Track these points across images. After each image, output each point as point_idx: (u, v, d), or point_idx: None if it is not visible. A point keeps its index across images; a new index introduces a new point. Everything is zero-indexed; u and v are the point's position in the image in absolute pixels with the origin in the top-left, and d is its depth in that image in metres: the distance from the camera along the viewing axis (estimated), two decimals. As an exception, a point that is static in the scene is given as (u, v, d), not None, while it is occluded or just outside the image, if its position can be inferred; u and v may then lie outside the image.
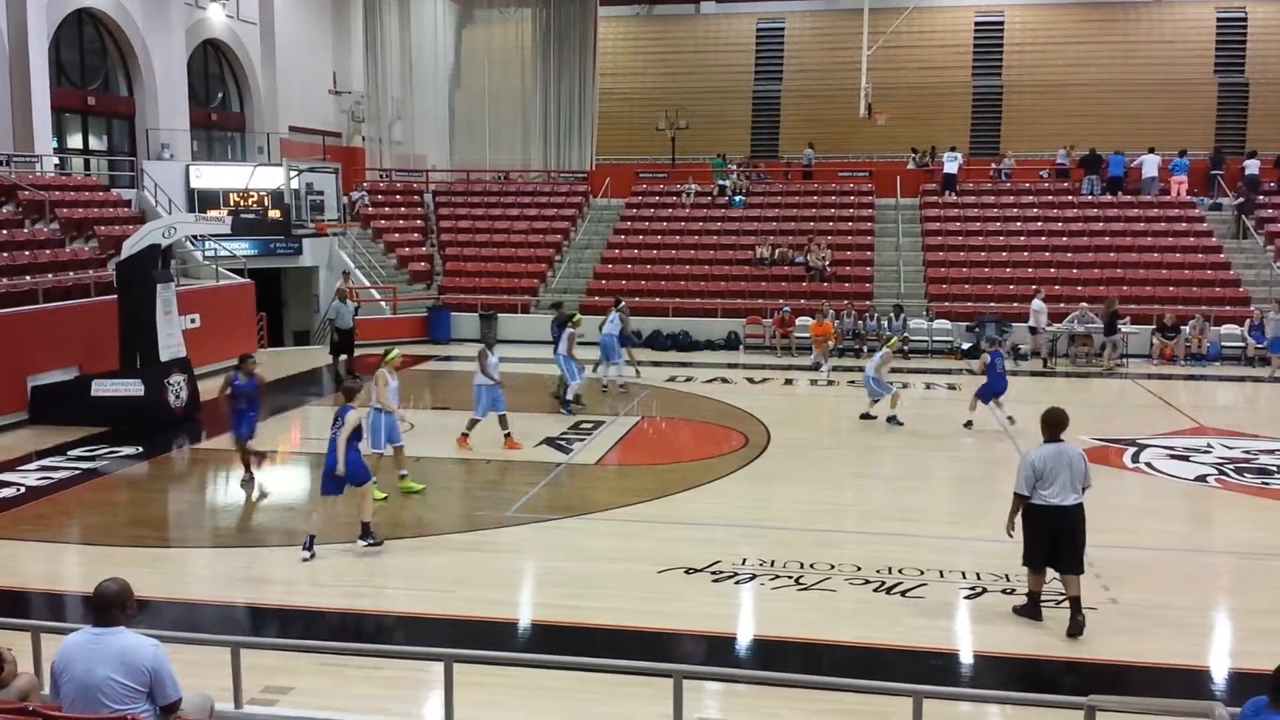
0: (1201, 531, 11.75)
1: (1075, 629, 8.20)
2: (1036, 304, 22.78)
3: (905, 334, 22.58)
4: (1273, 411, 18.60)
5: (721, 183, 30.59)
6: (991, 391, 16.01)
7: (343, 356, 20.92)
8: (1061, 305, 24.00)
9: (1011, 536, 8.53)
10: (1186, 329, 22.95)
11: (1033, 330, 22.73)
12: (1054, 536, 8.29)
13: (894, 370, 18.03)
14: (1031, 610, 8.55)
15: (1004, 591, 9.11)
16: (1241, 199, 27.00)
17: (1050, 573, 8.57)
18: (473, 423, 14.54)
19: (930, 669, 7.64)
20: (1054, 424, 8.42)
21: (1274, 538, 10.82)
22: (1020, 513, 8.44)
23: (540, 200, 31.38)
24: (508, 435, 14.56)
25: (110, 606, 5.10)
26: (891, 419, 16.30)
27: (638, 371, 20.16)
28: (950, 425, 16.15)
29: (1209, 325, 23.07)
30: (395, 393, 12.38)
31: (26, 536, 10.80)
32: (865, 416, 16.67)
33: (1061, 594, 8.62)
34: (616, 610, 8.78)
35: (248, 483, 12.78)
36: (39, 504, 12.00)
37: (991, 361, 15.98)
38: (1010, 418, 15.97)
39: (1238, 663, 7.89)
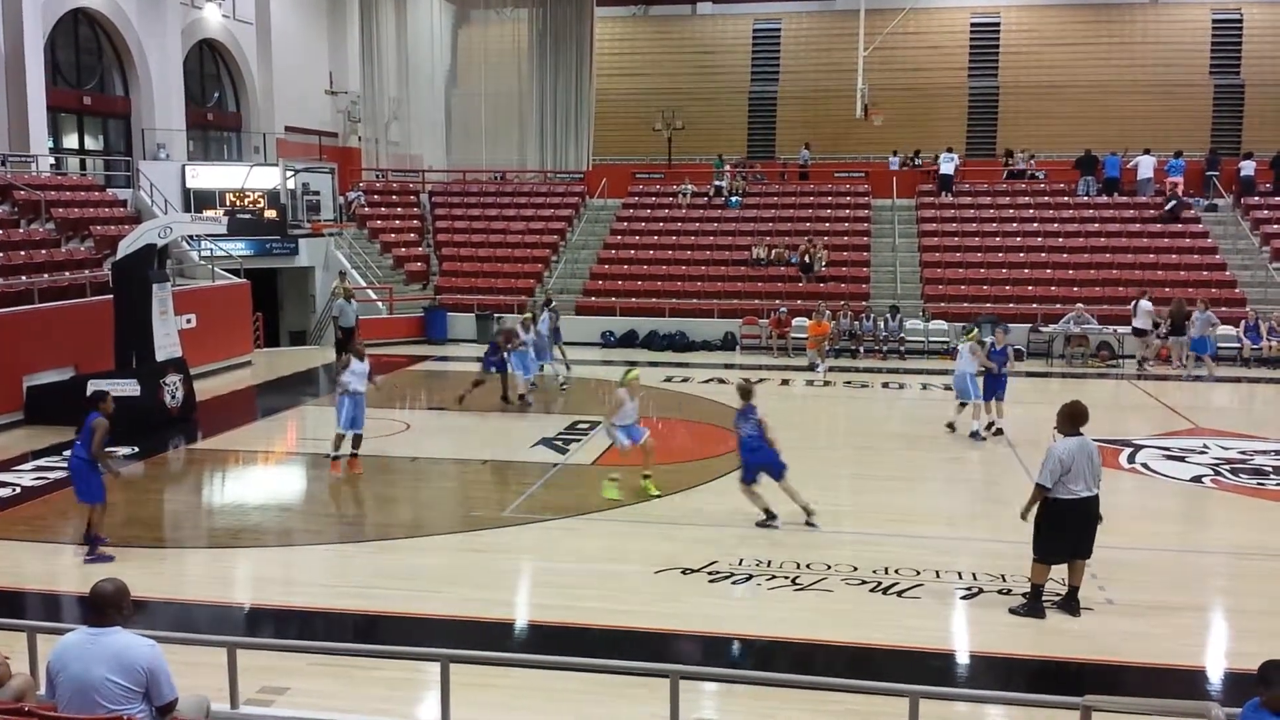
0: (1197, 532, 11.76)
1: (1076, 611, 8.57)
2: (1145, 304, 22.17)
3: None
4: (1268, 412, 18.63)
5: (718, 183, 30.61)
6: (994, 388, 15.62)
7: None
8: (1058, 306, 24.07)
9: (1026, 520, 8.61)
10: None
11: (1140, 332, 22.12)
12: (1080, 525, 8.43)
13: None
14: (1034, 607, 8.60)
15: (1000, 592, 9.13)
16: (1174, 201, 27.29)
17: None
18: (338, 438, 13.19)
19: (926, 669, 7.64)
20: (1077, 418, 8.55)
21: (1269, 538, 10.84)
22: (1040, 508, 8.52)
23: (537, 201, 31.38)
24: (354, 455, 13.27)
25: (106, 607, 5.10)
26: (975, 433, 15.26)
27: (568, 368, 20.53)
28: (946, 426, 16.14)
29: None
30: (632, 412, 12.20)
31: (22, 537, 10.78)
32: (951, 426, 15.78)
33: (1058, 593, 8.74)
34: (613, 610, 8.78)
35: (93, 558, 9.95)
36: (34, 504, 11.99)
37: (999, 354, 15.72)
38: (1000, 429, 15.38)
39: (1234, 663, 7.90)
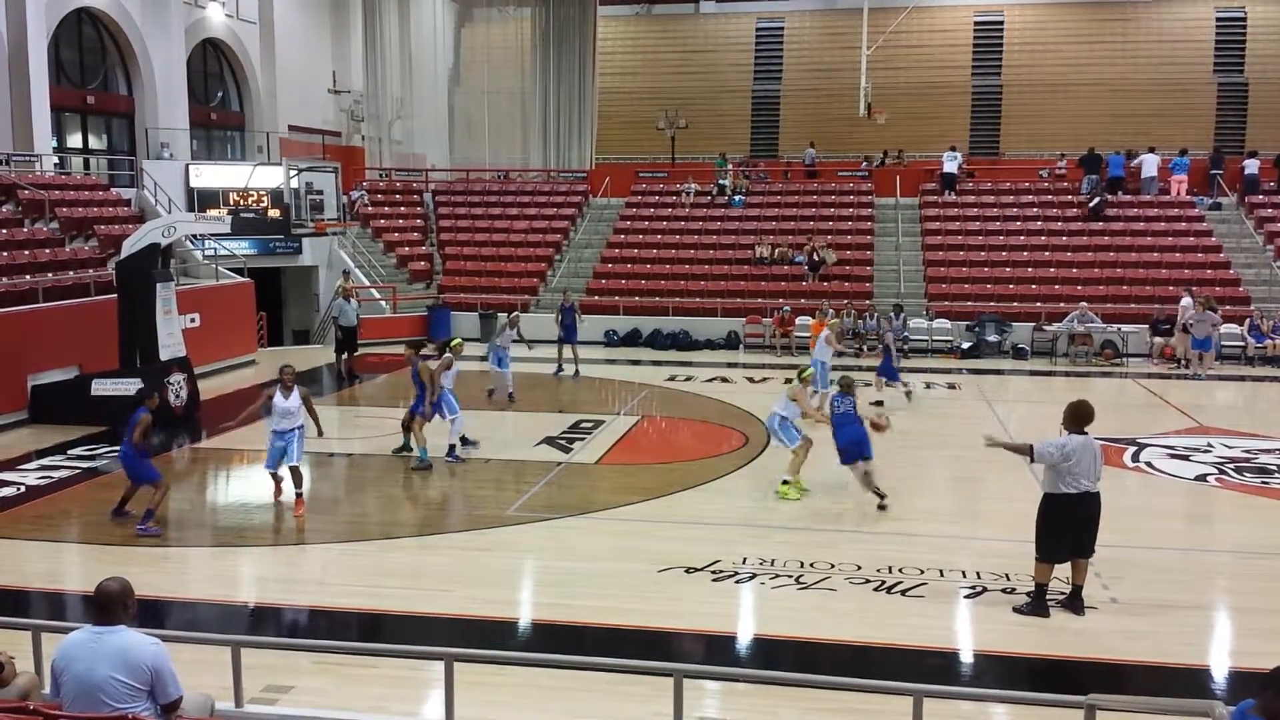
0: (1201, 531, 11.75)
1: (1079, 610, 8.56)
2: (1187, 301, 22.07)
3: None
4: (1273, 411, 18.59)
5: (721, 182, 30.61)
6: (890, 369, 17.61)
7: (344, 355, 20.99)
8: (1061, 305, 24.04)
9: (986, 444, 9.15)
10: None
11: (1184, 329, 21.90)
12: (1081, 522, 8.44)
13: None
14: (1038, 606, 8.60)
15: (1004, 590, 9.12)
16: (1097, 199, 27.35)
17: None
18: (277, 482, 11.84)
19: (930, 668, 7.64)
20: (1082, 417, 8.61)
21: (1274, 537, 10.82)
22: (1043, 505, 8.58)
23: (540, 199, 31.37)
24: (298, 495, 11.55)
25: (111, 605, 5.09)
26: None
27: (572, 370, 20.80)
28: (950, 424, 16.15)
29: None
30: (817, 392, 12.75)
31: (27, 535, 10.80)
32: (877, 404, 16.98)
33: (1062, 592, 8.74)
34: (617, 609, 8.78)
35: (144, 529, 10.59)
36: (39, 503, 12.01)
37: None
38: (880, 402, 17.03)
39: (1238, 662, 7.89)
